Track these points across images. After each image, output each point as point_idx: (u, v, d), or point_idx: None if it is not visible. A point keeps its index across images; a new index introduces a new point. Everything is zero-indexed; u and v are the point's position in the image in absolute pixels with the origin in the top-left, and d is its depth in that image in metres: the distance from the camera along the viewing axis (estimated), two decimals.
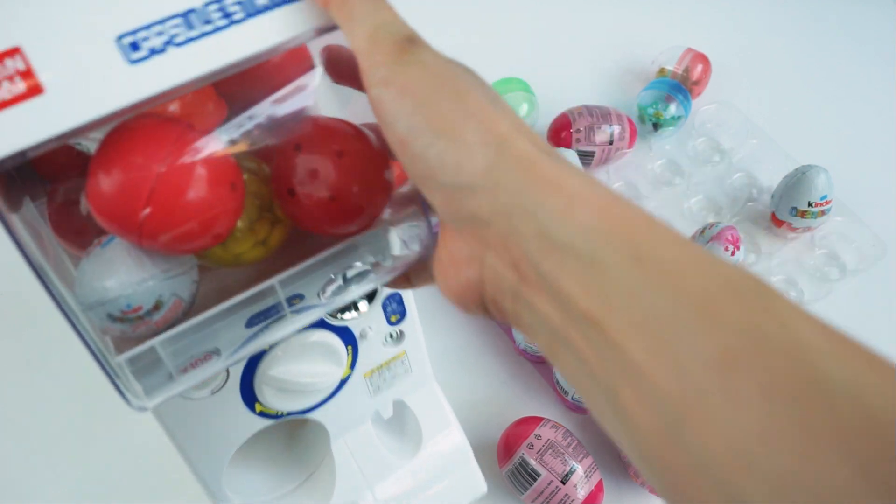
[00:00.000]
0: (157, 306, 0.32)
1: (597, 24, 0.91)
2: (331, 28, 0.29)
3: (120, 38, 0.26)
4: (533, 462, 0.54)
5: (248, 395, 0.41)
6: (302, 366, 0.40)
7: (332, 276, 0.37)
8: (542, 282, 0.23)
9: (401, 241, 0.37)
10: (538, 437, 0.55)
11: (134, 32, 0.26)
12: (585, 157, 0.74)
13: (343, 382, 0.45)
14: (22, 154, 0.25)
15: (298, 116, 0.32)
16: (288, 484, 0.49)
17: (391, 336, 0.46)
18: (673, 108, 0.76)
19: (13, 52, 0.25)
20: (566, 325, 0.23)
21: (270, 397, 0.41)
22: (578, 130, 0.73)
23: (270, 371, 0.40)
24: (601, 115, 0.74)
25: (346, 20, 0.27)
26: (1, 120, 0.25)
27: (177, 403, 0.39)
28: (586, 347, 0.22)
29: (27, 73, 0.25)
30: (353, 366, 0.44)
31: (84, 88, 0.26)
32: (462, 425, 0.61)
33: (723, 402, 0.19)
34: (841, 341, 0.21)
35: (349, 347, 0.43)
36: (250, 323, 0.34)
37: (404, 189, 0.35)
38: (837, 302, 0.68)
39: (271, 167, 0.33)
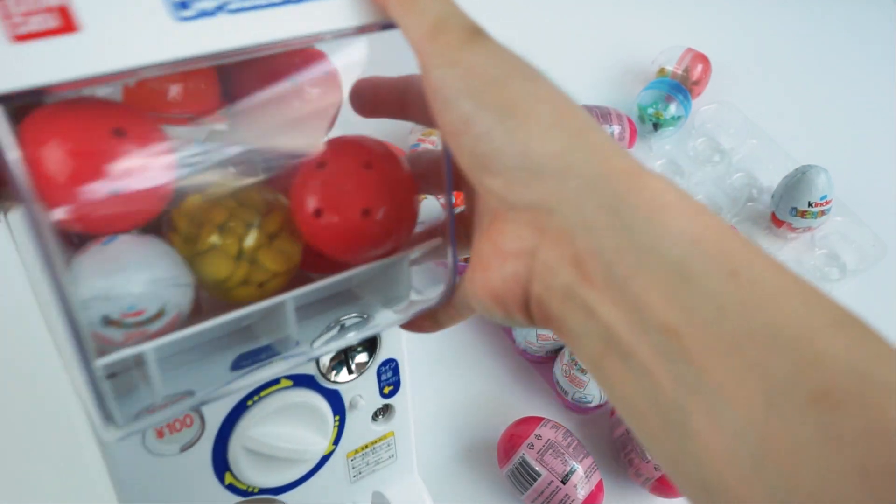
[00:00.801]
0: (160, 314, 0.29)
1: (597, 24, 0.91)
2: (387, 25, 0.28)
3: None
4: (533, 462, 0.54)
5: (220, 461, 0.36)
6: (285, 429, 0.37)
7: (338, 323, 0.35)
8: (614, 285, 0.21)
9: (420, 281, 0.35)
10: (538, 437, 0.55)
11: None
12: None
13: (324, 460, 0.40)
14: (40, 92, 0.23)
15: (314, 138, 0.30)
16: None
17: (381, 412, 0.42)
18: (673, 108, 0.76)
19: None
20: (635, 335, 0.21)
21: (244, 465, 0.36)
22: None
23: (250, 431, 0.36)
24: (601, 115, 0.74)
25: (407, 11, 0.25)
26: (26, 51, 0.23)
27: (137, 458, 0.34)
28: (657, 363, 0.20)
29: (64, 10, 0.23)
30: (337, 440, 0.40)
31: (122, 36, 0.24)
32: (462, 425, 0.61)
33: (819, 444, 0.17)
34: None
35: (336, 417, 0.39)
36: (236, 366, 0.32)
37: (426, 224, 0.33)
38: None
39: (288, 195, 0.31)
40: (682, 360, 0.19)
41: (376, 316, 0.34)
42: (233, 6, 0.25)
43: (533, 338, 0.60)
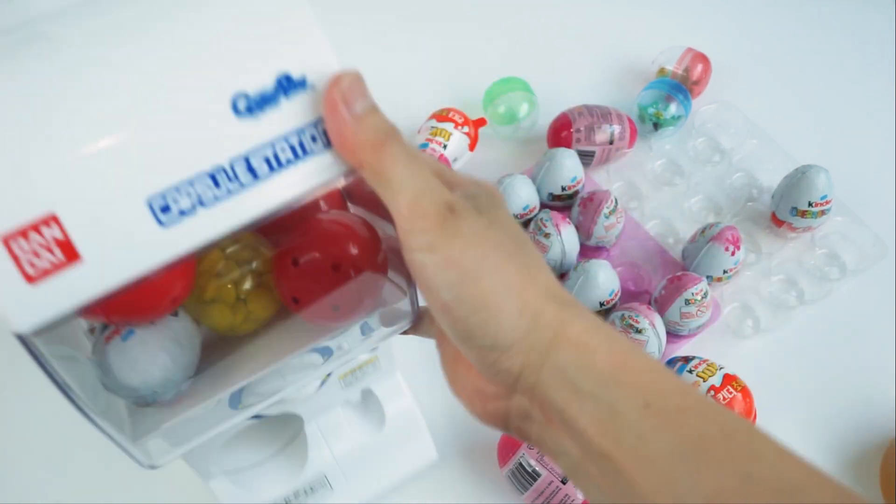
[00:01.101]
0: (176, 394, 0.35)
1: (597, 24, 0.91)
2: (352, 174, 0.30)
3: (150, 201, 0.27)
4: (533, 462, 0.54)
5: (235, 401, 0.42)
6: (279, 380, 0.41)
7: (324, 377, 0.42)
8: (564, 424, 0.27)
9: (386, 319, 0.40)
10: None
11: (163, 195, 0.27)
12: (585, 156, 0.74)
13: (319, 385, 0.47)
14: (62, 319, 0.27)
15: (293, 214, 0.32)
16: (261, 454, 0.53)
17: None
18: (673, 108, 0.76)
19: (49, 219, 0.26)
20: (584, 459, 0.27)
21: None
22: (578, 130, 0.73)
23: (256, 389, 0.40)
24: (601, 114, 0.74)
25: (383, 186, 0.27)
26: (43, 289, 0.26)
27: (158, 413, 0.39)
28: (601, 479, 0.26)
29: (65, 243, 0.26)
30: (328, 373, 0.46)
31: (118, 254, 0.27)
32: (462, 425, 0.61)
33: None
34: (820, 481, 0.24)
35: (326, 358, 0.43)
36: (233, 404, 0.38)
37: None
38: (837, 302, 0.68)
39: (272, 267, 0.36)
40: (618, 477, 0.26)
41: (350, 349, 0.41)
42: (206, 198, 0.28)
43: None
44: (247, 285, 0.35)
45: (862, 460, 0.59)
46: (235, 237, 0.31)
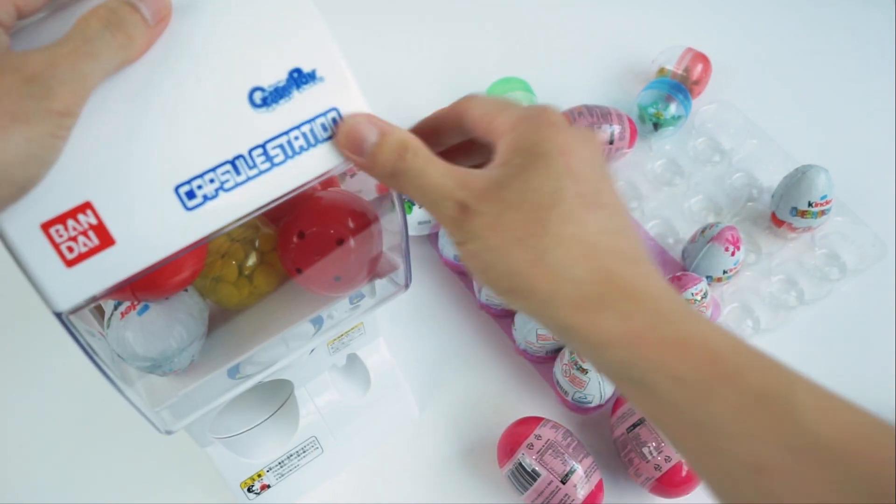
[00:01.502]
0: (190, 363, 0.39)
1: (597, 24, 0.90)
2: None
3: (177, 187, 0.30)
4: (533, 462, 0.54)
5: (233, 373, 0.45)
6: (276, 349, 0.44)
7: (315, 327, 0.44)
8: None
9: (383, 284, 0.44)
10: (538, 437, 0.55)
11: (189, 182, 0.30)
12: None
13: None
14: (96, 298, 0.30)
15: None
16: (254, 420, 0.55)
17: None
18: (673, 108, 0.76)
19: (84, 207, 0.28)
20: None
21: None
22: None
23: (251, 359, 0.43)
24: (601, 114, 0.74)
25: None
26: (80, 271, 0.29)
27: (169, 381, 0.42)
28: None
29: (100, 228, 0.29)
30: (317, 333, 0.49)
31: (148, 237, 0.30)
32: (462, 425, 0.61)
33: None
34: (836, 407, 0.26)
35: (316, 327, 0.47)
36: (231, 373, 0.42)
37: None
38: (837, 302, 0.68)
39: (277, 240, 0.39)
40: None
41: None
42: (228, 185, 0.31)
43: (533, 338, 0.60)
44: (251, 262, 0.38)
45: None
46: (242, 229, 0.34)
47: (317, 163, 0.32)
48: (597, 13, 0.91)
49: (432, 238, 0.71)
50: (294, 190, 0.32)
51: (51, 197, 0.28)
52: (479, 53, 0.87)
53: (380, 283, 0.44)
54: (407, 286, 0.43)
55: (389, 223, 0.40)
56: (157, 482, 0.59)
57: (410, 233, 0.69)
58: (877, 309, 0.68)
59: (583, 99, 0.78)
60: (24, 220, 0.28)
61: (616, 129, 0.74)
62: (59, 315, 0.29)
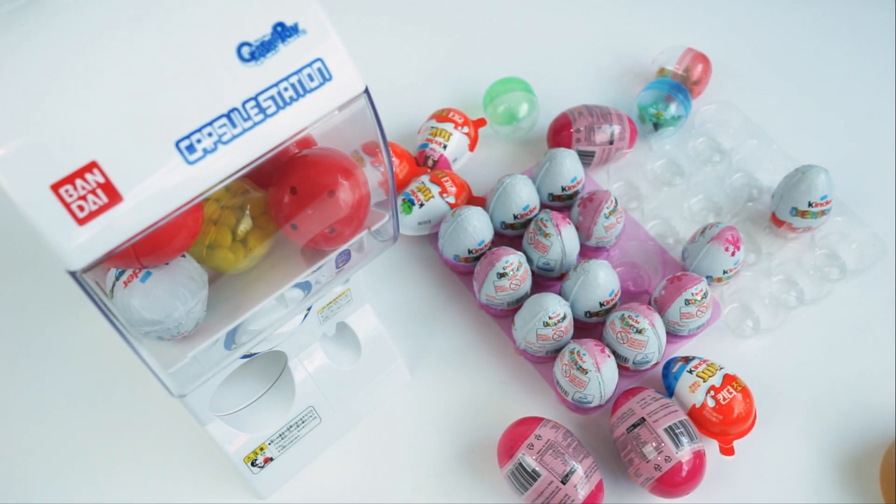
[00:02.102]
0: (195, 325, 0.40)
1: (597, 24, 0.91)
2: (349, 103, 0.36)
3: (178, 142, 0.31)
4: (533, 462, 0.54)
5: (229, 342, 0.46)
6: (272, 316, 0.46)
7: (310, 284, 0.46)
8: None
9: (372, 237, 0.45)
10: (538, 437, 0.55)
11: (189, 136, 0.31)
12: (585, 156, 0.74)
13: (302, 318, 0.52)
14: (109, 254, 0.30)
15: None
16: (252, 395, 0.57)
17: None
18: (673, 108, 0.76)
19: (91, 166, 0.29)
20: None
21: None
22: (578, 130, 0.73)
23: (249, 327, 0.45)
24: (601, 114, 0.74)
25: None
26: (92, 228, 0.29)
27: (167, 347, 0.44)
28: None
29: (108, 186, 0.30)
30: (308, 308, 0.51)
31: (154, 191, 0.31)
32: (462, 425, 0.61)
33: None
34: None
35: (306, 292, 0.48)
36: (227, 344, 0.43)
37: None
38: (837, 302, 0.68)
39: (269, 197, 0.41)
40: None
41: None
42: (225, 138, 0.32)
43: (533, 338, 0.60)
44: (244, 227, 0.40)
45: (862, 460, 0.59)
46: (226, 186, 0.35)
47: (308, 112, 0.34)
48: (597, 13, 0.91)
49: (432, 238, 0.71)
50: (288, 139, 0.34)
51: (56, 158, 0.29)
52: (479, 53, 0.87)
53: (368, 240, 0.45)
54: (395, 239, 0.45)
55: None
56: (160, 477, 0.59)
57: (410, 233, 0.69)
58: (877, 309, 0.68)
59: (583, 99, 0.78)
60: (33, 182, 0.28)
61: (616, 129, 0.74)
62: (73, 274, 0.30)
